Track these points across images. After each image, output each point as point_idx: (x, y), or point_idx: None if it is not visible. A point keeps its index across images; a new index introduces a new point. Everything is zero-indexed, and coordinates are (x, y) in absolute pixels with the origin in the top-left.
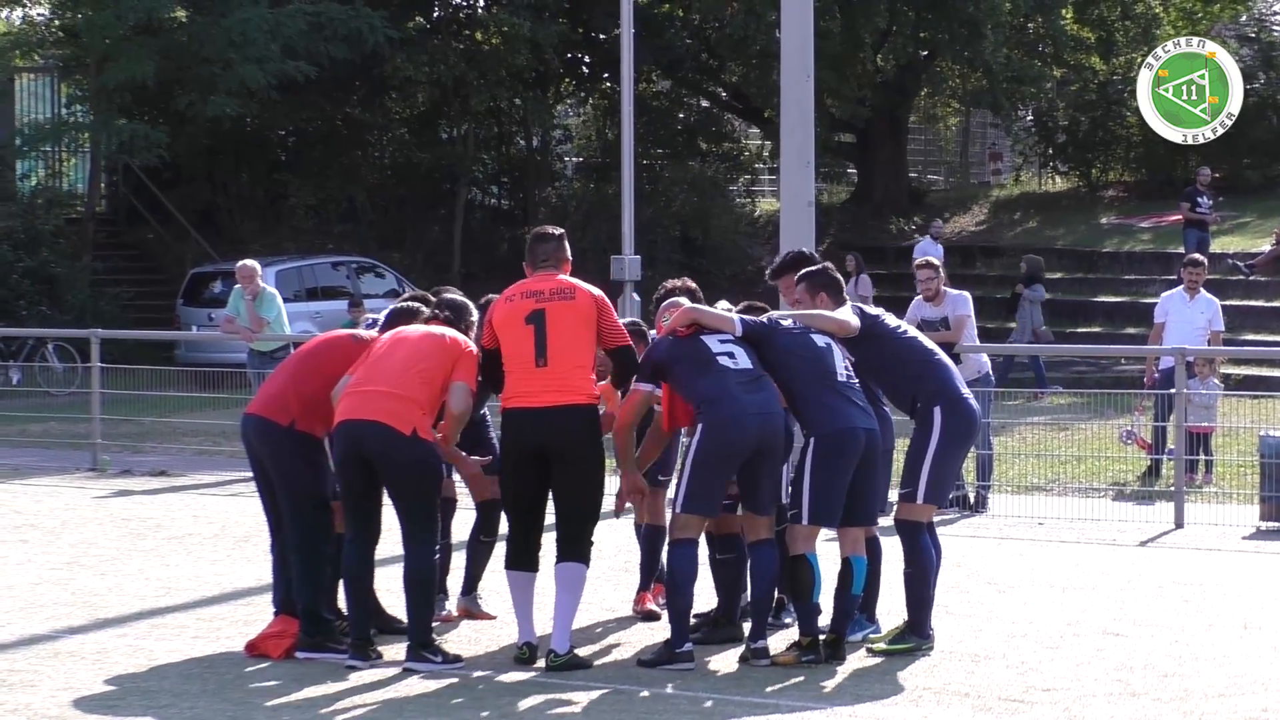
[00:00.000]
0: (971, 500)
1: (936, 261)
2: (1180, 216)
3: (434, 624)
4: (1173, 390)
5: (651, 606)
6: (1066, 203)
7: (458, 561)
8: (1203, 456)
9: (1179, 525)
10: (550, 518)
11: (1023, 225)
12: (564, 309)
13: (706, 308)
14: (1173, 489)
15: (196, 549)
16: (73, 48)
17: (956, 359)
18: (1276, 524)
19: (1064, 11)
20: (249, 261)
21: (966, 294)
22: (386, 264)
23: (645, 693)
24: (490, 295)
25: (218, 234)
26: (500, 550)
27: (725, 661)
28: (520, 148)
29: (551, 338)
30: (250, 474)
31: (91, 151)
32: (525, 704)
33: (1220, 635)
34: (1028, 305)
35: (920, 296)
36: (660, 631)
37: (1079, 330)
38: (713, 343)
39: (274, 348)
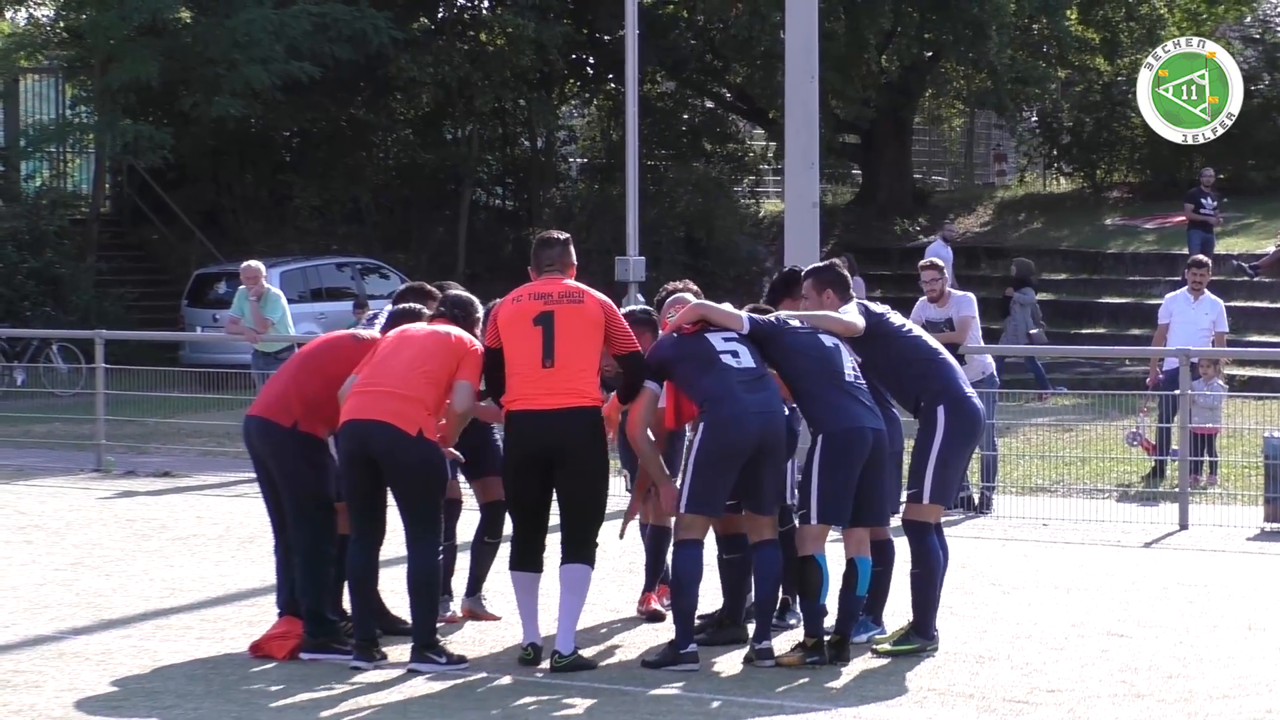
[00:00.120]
0: (976, 501)
1: (940, 262)
2: (1185, 218)
3: (438, 625)
4: (1177, 391)
5: (656, 607)
6: (1071, 204)
7: (462, 563)
8: (1207, 458)
9: (1183, 527)
10: (554, 519)
11: (1027, 226)
12: (573, 312)
13: (714, 304)
14: (1177, 490)
15: (201, 550)
16: (77, 48)
17: (961, 360)
18: None
19: (1069, 12)
20: (254, 262)
21: (971, 295)
22: (391, 265)
23: (650, 693)
24: (496, 300)
25: (222, 235)
26: (505, 551)
27: (730, 662)
28: (525, 149)
29: (559, 340)
30: (254, 475)
31: (96, 152)
32: (529, 705)
33: (1225, 636)
34: (1018, 309)
35: (925, 298)
36: (665, 632)
37: (1083, 331)
38: (717, 341)
39: (278, 349)
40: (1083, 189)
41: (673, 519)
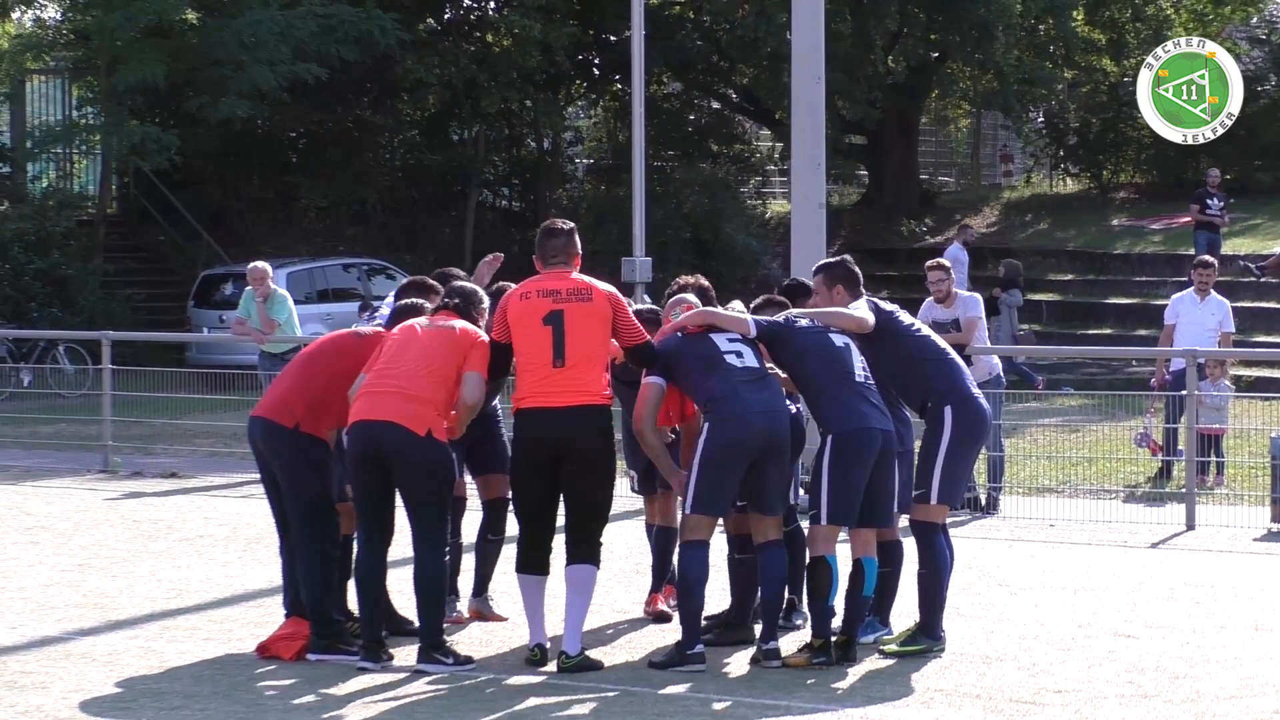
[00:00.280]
0: (983, 502)
1: (947, 263)
2: (1191, 218)
3: (445, 625)
4: (1184, 392)
5: (663, 608)
6: (1077, 204)
7: (468, 562)
8: (1214, 458)
9: (1190, 527)
10: (560, 519)
11: (1034, 227)
12: (582, 310)
13: (720, 310)
14: (1184, 491)
15: (208, 551)
16: (83, 50)
17: (968, 361)
18: None
19: (1075, 13)
20: (260, 263)
21: (978, 296)
22: (397, 266)
23: (657, 694)
24: (503, 283)
25: (229, 236)
26: (510, 551)
27: (737, 663)
28: (531, 149)
29: (570, 339)
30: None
31: (102, 153)
32: (536, 705)
33: (1232, 637)
34: (1005, 310)
35: (931, 298)
36: (672, 633)
37: (1090, 332)
38: (721, 341)
39: (285, 350)
40: (1089, 190)
41: (678, 520)
